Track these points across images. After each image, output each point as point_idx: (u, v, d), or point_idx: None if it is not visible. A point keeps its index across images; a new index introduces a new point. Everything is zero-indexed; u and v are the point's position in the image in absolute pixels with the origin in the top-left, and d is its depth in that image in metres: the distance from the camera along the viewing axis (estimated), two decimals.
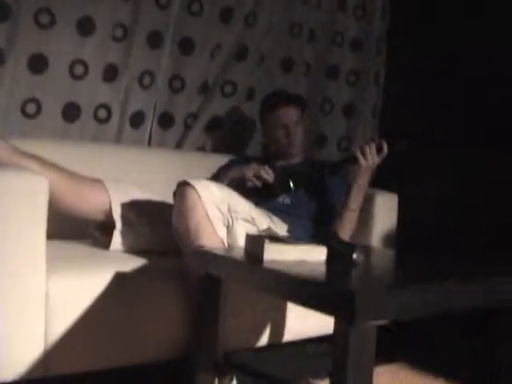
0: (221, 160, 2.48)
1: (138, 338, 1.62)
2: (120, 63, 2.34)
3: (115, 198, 1.83)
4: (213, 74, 2.56)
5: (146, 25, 2.34)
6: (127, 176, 2.18)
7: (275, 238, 1.42)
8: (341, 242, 1.43)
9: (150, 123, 2.47)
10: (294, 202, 2.21)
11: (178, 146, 2.58)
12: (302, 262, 1.35)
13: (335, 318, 1.06)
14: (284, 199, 2.22)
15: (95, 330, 1.56)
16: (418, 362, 2.04)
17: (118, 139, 2.40)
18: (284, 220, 2.07)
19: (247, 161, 2.42)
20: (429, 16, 2.79)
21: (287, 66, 2.73)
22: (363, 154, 2.08)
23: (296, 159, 2.37)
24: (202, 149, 2.63)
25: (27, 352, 1.46)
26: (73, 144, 2.25)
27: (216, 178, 2.26)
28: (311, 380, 1.80)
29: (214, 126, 2.61)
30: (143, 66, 2.38)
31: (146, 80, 2.40)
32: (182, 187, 1.65)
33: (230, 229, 1.70)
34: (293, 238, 1.56)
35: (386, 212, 2.29)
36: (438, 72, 2.74)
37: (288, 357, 2.17)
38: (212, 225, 1.64)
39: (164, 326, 1.66)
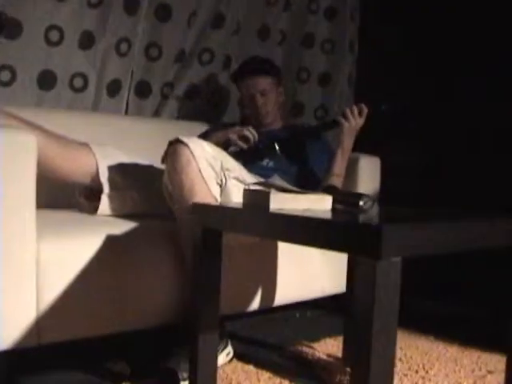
0: (198, 128, 2.46)
1: (132, 303, 1.58)
2: (96, 30, 2.27)
3: (102, 162, 1.77)
4: (190, 41, 2.52)
5: None
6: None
7: (278, 188, 1.40)
8: (344, 192, 1.42)
9: (126, 92, 2.41)
10: (276, 165, 2.19)
11: (155, 114, 2.53)
12: (309, 210, 1.33)
13: (358, 255, 1.05)
14: (267, 163, 2.20)
15: (88, 296, 1.51)
16: None
17: (94, 108, 2.34)
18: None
19: (225, 127, 2.40)
20: None
21: (263, 34, 2.69)
22: (345, 116, 2.08)
23: (275, 126, 2.35)
24: (179, 118, 2.58)
25: (19, 320, 1.41)
26: (48, 112, 2.17)
27: None
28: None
29: (191, 94, 2.57)
30: (120, 33, 2.32)
31: (123, 47, 2.34)
32: (175, 145, 1.61)
33: (223, 187, 1.67)
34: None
35: (369, 176, 2.29)
36: (411, 40, 2.75)
37: (279, 322, 2.18)
38: (206, 182, 1.61)
39: (158, 289, 1.63)
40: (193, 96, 2.57)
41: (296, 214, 1.19)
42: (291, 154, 2.22)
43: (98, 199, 1.81)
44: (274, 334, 2.01)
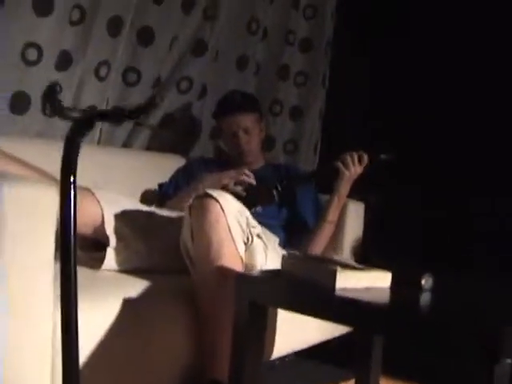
0: (172, 160, 2.36)
1: (150, 366, 1.45)
2: (75, 50, 2.06)
3: (108, 210, 1.59)
4: (169, 68, 2.36)
5: (107, 8, 2.08)
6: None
7: (341, 264, 1.32)
8: (401, 267, 1.37)
9: None
10: (265, 210, 2.09)
11: (127, 143, 2.35)
12: (371, 290, 1.27)
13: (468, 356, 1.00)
14: (256, 208, 2.10)
15: (104, 361, 1.37)
16: None
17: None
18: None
19: (207, 164, 2.29)
20: (374, 20, 2.81)
21: (241, 63, 2.58)
22: (344, 163, 2.04)
23: (256, 164, 2.27)
24: (150, 148, 2.42)
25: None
26: (17, 139, 1.95)
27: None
28: None
29: (165, 123, 2.41)
30: (101, 56, 2.12)
31: (103, 71, 2.15)
32: (203, 199, 1.49)
33: (248, 246, 1.56)
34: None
35: (355, 221, 2.26)
36: (382, 76, 2.76)
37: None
38: (234, 242, 1.50)
39: (176, 351, 1.51)
40: (166, 125, 2.42)
41: (375, 300, 1.12)
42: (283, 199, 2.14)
43: (96, 250, 1.64)
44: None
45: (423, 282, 1.31)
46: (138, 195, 2.18)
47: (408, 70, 2.70)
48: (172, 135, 2.45)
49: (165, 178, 2.27)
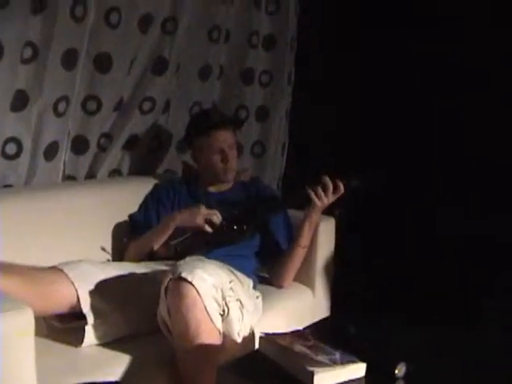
0: (138, 184, 2.30)
1: None
2: (31, 89, 1.97)
3: (82, 288, 1.59)
4: (130, 90, 2.28)
5: (60, 41, 1.97)
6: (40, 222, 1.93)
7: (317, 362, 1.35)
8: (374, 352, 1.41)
9: (64, 152, 2.15)
10: None
11: (92, 170, 2.29)
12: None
13: None
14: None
15: None
16: None
17: (29, 176, 2.06)
18: (231, 262, 1.97)
19: (174, 187, 2.25)
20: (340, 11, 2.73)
21: (204, 73, 2.50)
22: (317, 194, 2.02)
23: (227, 185, 2.25)
24: (117, 171, 2.37)
25: None
26: None
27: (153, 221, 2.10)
28: None
29: (130, 145, 2.35)
30: (58, 92, 2.03)
31: (61, 107, 2.06)
32: (179, 283, 1.49)
33: (224, 317, 1.59)
34: None
35: (327, 236, 2.28)
36: (351, 69, 2.71)
37: None
38: (211, 319, 1.53)
39: None
40: (132, 147, 2.36)
41: None
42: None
43: (73, 319, 1.64)
44: None
45: (397, 371, 1.35)
46: (110, 230, 2.15)
47: (377, 60, 2.67)
48: (138, 155, 2.40)
49: (135, 202, 2.23)
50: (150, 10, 2.22)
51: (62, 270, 1.59)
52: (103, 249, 2.08)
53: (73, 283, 1.58)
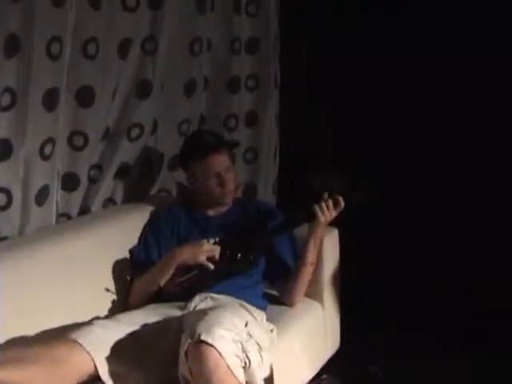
0: (136, 214, 2.22)
1: None
2: (13, 137, 1.87)
3: (98, 357, 1.56)
4: (116, 118, 2.19)
5: (38, 83, 1.87)
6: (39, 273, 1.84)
7: None
8: None
9: (55, 193, 2.07)
10: None
11: (86, 203, 2.22)
12: None
13: None
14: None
15: None
16: None
17: (22, 223, 1.98)
18: (241, 294, 1.95)
19: (172, 213, 2.18)
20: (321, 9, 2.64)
21: (189, 88, 2.40)
22: (321, 209, 1.99)
23: (227, 206, 2.19)
24: (111, 200, 2.29)
25: None
26: None
27: (152, 257, 2.05)
28: None
29: (122, 173, 2.27)
30: (42, 135, 1.94)
31: (48, 149, 1.97)
32: (199, 346, 1.46)
33: (246, 368, 1.56)
34: None
35: (331, 250, 2.25)
36: (339, 68, 2.65)
37: None
38: (235, 376, 1.50)
39: None
40: (125, 174, 2.28)
41: None
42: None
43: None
44: None
45: None
46: (111, 268, 2.08)
47: (365, 59, 2.60)
48: (130, 182, 2.32)
49: (133, 230, 2.17)
50: (127, 35, 2.12)
51: (75, 341, 1.54)
52: (107, 289, 2.02)
53: (89, 353, 1.53)
